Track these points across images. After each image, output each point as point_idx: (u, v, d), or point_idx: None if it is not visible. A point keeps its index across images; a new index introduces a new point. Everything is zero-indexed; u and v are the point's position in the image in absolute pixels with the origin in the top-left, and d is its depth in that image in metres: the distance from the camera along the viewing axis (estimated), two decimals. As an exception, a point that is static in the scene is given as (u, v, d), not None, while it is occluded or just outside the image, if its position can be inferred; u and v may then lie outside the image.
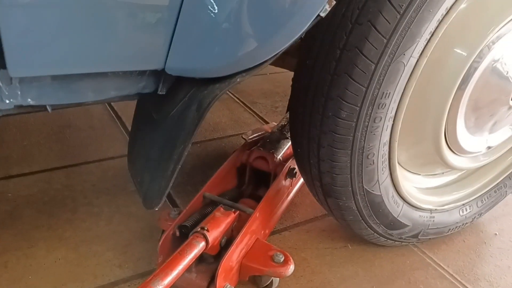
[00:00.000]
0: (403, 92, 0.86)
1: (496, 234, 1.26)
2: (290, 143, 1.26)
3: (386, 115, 0.85)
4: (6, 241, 1.07)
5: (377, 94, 0.82)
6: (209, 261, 0.96)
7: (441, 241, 1.20)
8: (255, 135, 1.29)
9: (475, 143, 1.06)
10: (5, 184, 1.28)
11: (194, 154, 1.52)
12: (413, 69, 0.84)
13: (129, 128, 1.62)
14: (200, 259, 0.93)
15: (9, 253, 1.04)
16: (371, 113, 0.83)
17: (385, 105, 0.83)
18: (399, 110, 0.88)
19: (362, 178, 0.92)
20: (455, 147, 1.03)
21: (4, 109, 0.64)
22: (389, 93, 0.83)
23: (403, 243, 1.13)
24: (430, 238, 1.16)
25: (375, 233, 1.06)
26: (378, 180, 0.94)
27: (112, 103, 1.77)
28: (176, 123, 0.74)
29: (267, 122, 1.74)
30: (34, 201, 1.22)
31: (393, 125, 0.89)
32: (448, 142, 1.02)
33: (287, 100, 1.34)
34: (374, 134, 0.86)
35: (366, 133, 0.85)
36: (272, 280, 1.00)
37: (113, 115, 1.71)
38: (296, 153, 0.99)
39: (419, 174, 1.12)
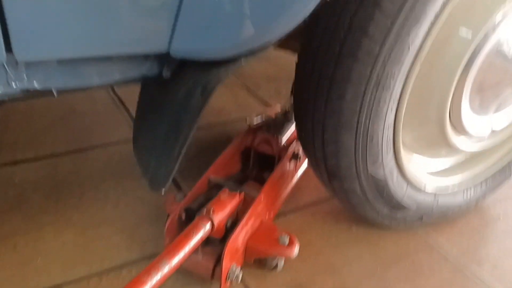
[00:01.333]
0: (408, 74, 0.86)
1: (500, 216, 1.27)
2: (294, 126, 1.26)
3: (391, 97, 0.85)
4: (15, 225, 1.09)
5: (382, 75, 0.82)
6: (215, 243, 0.97)
7: (445, 224, 1.21)
8: (258, 120, 1.29)
9: (480, 125, 1.05)
10: (12, 170, 1.29)
11: (198, 138, 1.52)
12: (418, 50, 0.84)
13: (133, 113, 1.62)
14: (206, 241, 0.94)
15: (18, 236, 1.06)
16: (376, 95, 0.83)
17: (390, 86, 0.83)
18: (404, 91, 0.87)
19: (366, 160, 0.92)
20: (460, 129, 1.03)
21: (11, 93, 0.64)
22: (394, 74, 0.83)
23: (407, 225, 1.14)
24: (434, 221, 1.16)
25: (379, 216, 1.06)
26: (382, 162, 0.94)
27: (115, 89, 1.77)
28: (180, 107, 0.74)
29: (270, 106, 1.74)
30: (41, 186, 1.23)
31: (398, 106, 0.89)
32: (453, 124, 1.02)
33: (291, 84, 1.34)
34: (379, 116, 0.86)
35: (370, 115, 0.85)
36: (277, 261, 1.01)
37: (117, 100, 1.71)
38: (301, 137, 1.00)
39: (423, 157, 1.12)
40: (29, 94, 0.70)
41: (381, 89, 0.83)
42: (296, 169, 1.25)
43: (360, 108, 0.84)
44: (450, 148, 1.08)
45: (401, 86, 0.86)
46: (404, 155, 0.99)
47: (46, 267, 0.99)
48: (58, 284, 0.95)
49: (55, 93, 0.69)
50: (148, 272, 0.72)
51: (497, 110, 1.06)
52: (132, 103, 1.68)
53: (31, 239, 1.06)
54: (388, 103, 0.85)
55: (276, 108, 1.39)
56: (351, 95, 0.82)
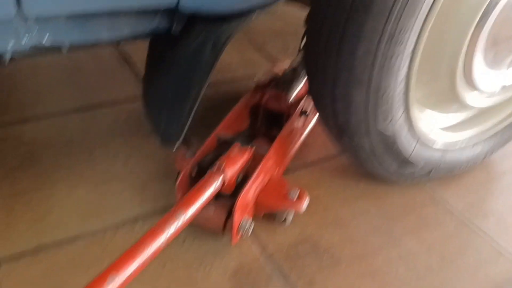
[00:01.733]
0: (421, 28, 0.84)
1: (506, 172, 1.28)
2: (303, 83, 1.25)
3: (404, 52, 0.84)
4: (27, 182, 1.11)
5: (395, 30, 0.80)
6: (226, 198, 0.99)
7: (452, 179, 1.22)
8: (267, 77, 1.28)
9: (491, 81, 1.04)
10: (22, 128, 1.30)
11: (205, 96, 1.48)
12: (432, 4, 0.82)
13: (140, 71, 1.62)
14: (217, 196, 0.96)
15: (31, 193, 1.08)
16: (388, 50, 0.81)
17: (403, 41, 0.82)
18: (416, 46, 0.86)
19: (376, 116, 0.92)
20: (471, 84, 1.02)
21: (20, 50, 0.64)
22: (407, 29, 0.81)
23: (414, 181, 1.15)
24: (441, 176, 1.17)
25: (387, 171, 1.07)
26: (392, 118, 0.94)
27: (121, 47, 1.75)
28: (191, 63, 0.74)
29: (278, 62, 1.72)
30: (51, 144, 1.24)
31: (410, 62, 0.88)
32: (464, 79, 1.00)
33: (298, 40, 1.32)
34: (390, 72, 0.85)
35: (382, 71, 0.84)
36: (287, 215, 1.04)
37: (123, 57, 1.69)
38: (311, 92, 0.99)
39: (433, 112, 1.12)
40: (38, 51, 0.69)
41: (394, 44, 0.81)
42: (304, 126, 1.25)
43: (372, 63, 0.83)
44: (460, 104, 1.08)
45: (414, 40, 0.85)
46: (414, 111, 0.99)
47: (61, 221, 1.02)
48: (74, 236, 0.98)
49: (64, 50, 0.68)
50: (162, 224, 0.74)
51: (510, 66, 1.04)
52: (139, 61, 1.67)
53: (44, 196, 1.08)
54: (401, 58, 0.84)
55: (285, 64, 1.37)
56: (363, 51, 0.81)
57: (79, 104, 1.42)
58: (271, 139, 1.11)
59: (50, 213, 1.03)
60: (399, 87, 0.90)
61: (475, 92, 1.06)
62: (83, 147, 1.24)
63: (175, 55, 0.77)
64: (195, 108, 0.73)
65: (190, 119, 0.74)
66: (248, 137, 1.16)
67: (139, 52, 1.71)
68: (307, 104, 1.20)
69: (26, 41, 0.64)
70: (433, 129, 1.11)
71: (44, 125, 1.31)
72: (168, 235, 0.74)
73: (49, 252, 0.95)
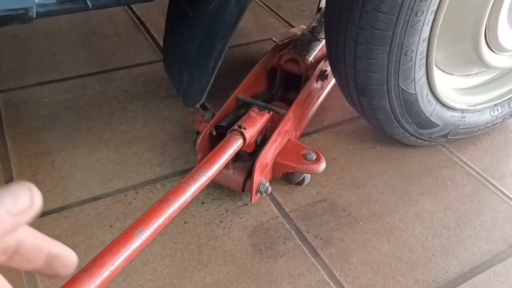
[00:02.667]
0: (447, -16, 0.82)
1: (524, 135, 1.27)
2: (321, 45, 1.24)
3: (429, 8, 0.82)
4: (50, 143, 1.13)
5: (421, -15, 0.78)
6: (245, 159, 1.00)
7: (470, 141, 1.22)
8: (285, 37, 1.27)
9: (515, 41, 1.02)
10: (41, 90, 1.31)
11: (221, 60, 1.51)
12: (460, -42, 0.80)
13: (154, 35, 1.61)
14: (237, 157, 0.98)
15: (55, 153, 1.10)
16: (413, 6, 0.80)
17: (428, -3, 0.80)
18: (441, 2, 0.84)
19: (398, 76, 0.91)
20: (494, 45, 1.00)
21: (47, 3, 0.64)
22: (433, -16, 0.80)
23: (432, 142, 1.15)
24: (459, 138, 1.17)
25: (406, 133, 1.08)
26: (414, 78, 0.93)
27: (135, 9, 1.74)
28: (214, 19, 0.73)
29: (293, 26, 1.70)
30: (71, 106, 1.26)
31: (434, 19, 0.86)
32: (488, 39, 0.99)
33: (314, 2, 1.30)
34: (414, 29, 0.84)
35: (406, 28, 0.83)
36: (304, 177, 1.05)
37: (137, 21, 1.68)
38: (331, 52, 0.98)
39: (454, 75, 1.11)
40: (65, 6, 0.69)
41: (419, -1, 0.80)
42: (322, 89, 1.25)
43: (396, 20, 0.82)
44: (482, 65, 1.06)
45: (439, -4, 0.83)
46: (436, 71, 0.98)
47: (84, 180, 1.04)
48: (98, 196, 1.01)
49: (89, 5, 0.68)
50: (187, 180, 0.76)
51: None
52: (153, 25, 1.66)
53: (68, 156, 1.10)
54: (425, 15, 0.83)
55: (300, 28, 1.36)
56: (387, 6, 0.80)
57: (96, 67, 1.42)
58: (288, 102, 1.11)
59: (73, 173, 1.06)
60: (422, 45, 0.89)
61: (497, 54, 1.05)
62: (102, 110, 1.25)
63: (197, 11, 0.77)
64: (218, 65, 0.73)
65: (214, 76, 0.74)
66: (266, 99, 1.16)
67: (153, 16, 1.70)
68: (326, 66, 1.19)
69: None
70: (454, 90, 1.10)
71: (62, 87, 1.33)
72: (192, 191, 0.75)
73: (74, 209, 0.97)
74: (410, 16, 0.81)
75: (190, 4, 0.80)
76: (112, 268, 0.57)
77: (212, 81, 0.74)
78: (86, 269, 0.56)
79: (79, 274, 0.55)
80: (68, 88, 1.33)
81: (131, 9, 1.74)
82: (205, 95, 0.77)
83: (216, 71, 0.73)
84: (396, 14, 0.81)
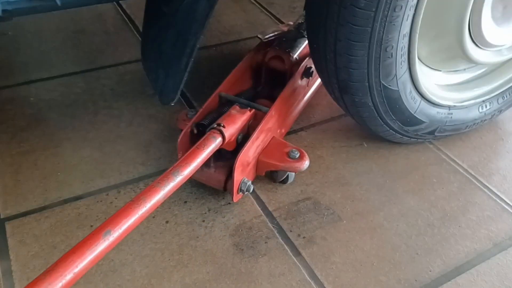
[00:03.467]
0: (426, -22, 0.81)
1: (514, 132, 1.25)
2: (306, 41, 1.22)
3: (407, 3, 0.81)
4: (33, 142, 1.13)
5: (399, -20, 0.77)
6: (227, 157, 0.99)
7: (458, 138, 1.21)
8: (270, 34, 1.25)
9: (500, 36, 1.01)
10: (26, 89, 1.31)
11: (210, 57, 1.50)
12: (439, -49, 0.78)
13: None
14: (219, 156, 0.97)
15: (38, 153, 1.10)
16: (391, 1, 0.78)
17: (407, -8, 0.79)
18: (421, -3, 0.83)
19: (379, 72, 0.90)
20: (479, 40, 0.98)
21: (14, 0, 0.63)
22: (412, -22, 0.78)
23: (419, 140, 1.14)
24: (446, 135, 1.16)
25: (390, 130, 1.06)
26: (396, 74, 0.92)
27: (124, 7, 1.73)
28: (186, 16, 0.72)
29: (284, 23, 1.68)
30: (56, 105, 1.25)
31: (414, 14, 0.85)
32: (472, 34, 0.97)
33: (304, -2, 1.28)
34: (393, 24, 0.82)
35: (385, 24, 0.82)
36: (288, 175, 1.04)
37: (126, 19, 1.68)
38: (313, 49, 0.97)
39: (440, 71, 1.09)
40: (34, 4, 0.68)
41: (397, -6, 0.78)
42: (308, 86, 1.23)
43: (375, 16, 0.80)
44: (467, 61, 1.05)
45: (418, -9, 0.82)
46: (419, 69, 0.96)
47: (66, 180, 1.04)
48: (79, 195, 1.00)
49: (58, 2, 0.67)
50: (161, 180, 0.75)
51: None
52: (141, 22, 1.65)
53: (51, 155, 1.10)
54: (404, 10, 0.81)
55: (289, 26, 1.34)
56: (365, 2, 0.78)
57: (83, 65, 1.41)
58: (274, 99, 1.10)
59: (56, 172, 1.05)
60: (403, 41, 0.87)
61: (483, 49, 1.03)
62: (87, 108, 1.25)
63: (171, 8, 0.76)
64: (191, 63, 0.72)
65: (187, 74, 0.73)
66: (251, 96, 1.15)
67: (142, 14, 1.69)
68: (310, 63, 1.18)
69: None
70: (439, 86, 1.08)
71: (49, 86, 1.32)
72: (166, 191, 0.75)
73: (55, 209, 0.97)
74: (388, 12, 0.80)
75: (165, 0, 0.79)
76: (76, 270, 0.57)
77: (185, 79, 0.73)
78: (48, 271, 0.55)
79: (41, 276, 0.55)
80: (54, 87, 1.32)
81: (120, 6, 1.73)
82: (179, 93, 0.76)
83: (189, 68, 0.72)
84: (374, 9, 0.79)
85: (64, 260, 0.56)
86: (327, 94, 1.11)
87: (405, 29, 0.86)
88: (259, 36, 1.25)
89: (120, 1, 1.65)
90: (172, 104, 0.78)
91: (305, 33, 1.23)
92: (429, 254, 0.93)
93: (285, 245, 0.93)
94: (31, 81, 1.34)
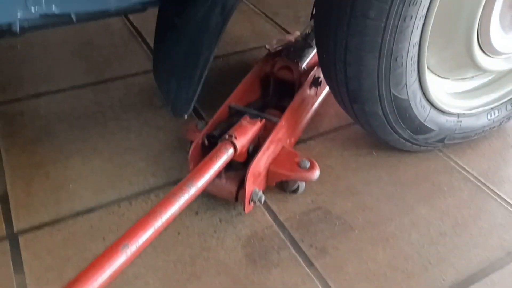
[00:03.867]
0: (436, -12, 0.81)
1: (523, 139, 1.25)
2: (314, 51, 1.23)
3: (417, 13, 0.81)
4: (44, 154, 1.13)
5: (409, -10, 0.78)
6: (238, 168, 0.99)
7: (467, 146, 1.21)
8: (278, 44, 1.26)
9: (508, 44, 1.01)
10: (36, 102, 1.31)
11: (217, 68, 1.51)
12: (448, -38, 0.79)
13: (150, 44, 1.61)
14: (229, 166, 0.97)
15: (49, 165, 1.10)
16: (401, 11, 0.79)
17: (417, 2, 0.79)
18: (431, 7, 0.83)
19: (389, 82, 0.90)
20: (488, 48, 0.99)
21: (30, 18, 0.64)
22: (421, -11, 0.79)
23: (428, 148, 1.14)
24: (456, 143, 1.16)
25: (400, 138, 1.06)
26: (406, 83, 0.92)
27: (131, 19, 1.74)
28: (200, 28, 0.73)
29: (289, 33, 1.69)
30: (66, 117, 1.26)
31: (424, 24, 0.85)
32: (481, 43, 0.98)
33: (310, 8, 1.29)
34: (404, 34, 0.83)
35: (395, 34, 0.82)
36: (298, 185, 1.04)
37: (133, 31, 1.69)
38: (322, 59, 0.98)
39: (448, 79, 1.09)
40: (49, 21, 0.69)
41: (407, 4, 0.79)
42: (317, 95, 1.24)
43: (385, 26, 0.81)
44: (476, 69, 1.05)
45: (428, 1, 0.82)
46: (429, 76, 0.97)
47: (78, 192, 1.04)
48: (91, 208, 1.00)
49: (74, 18, 0.68)
50: (175, 193, 0.75)
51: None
52: (149, 34, 1.66)
53: (61, 167, 1.10)
54: (414, 20, 0.82)
55: (295, 35, 1.35)
56: (375, 12, 0.79)
57: (92, 77, 1.42)
58: (282, 109, 1.10)
59: (67, 184, 1.06)
60: (413, 50, 0.88)
61: (491, 57, 1.03)
62: (96, 120, 1.25)
63: (184, 21, 0.77)
64: (204, 75, 0.72)
65: (200, 87, 0.74)
66: (260, 107, 1.16)
67: (149, 25, 1.70)
68: (320, 72, 1.19)
69: (36, 9, 0.64)
70: (448, 94, 1.09)
71: (58, 98, 1.33)
72: (180, 204, 0.75)
73: (67, 222, 0.97)
74: (398, 22, 0.81)
75: (178, 13, 0.80)
76: (96, 284, 0.57)
77: (198, 91, 0.74)
78: (69, 285, 0.55)
79: (62, 290, 0.55)
80: (63, 99, 1.33)
81: (127, 19, 1.75)
82: (192, 106, 0.77)
83: (202, 81, 0.73)
84: (384, 19, 0.80)
85: (85, 274, 0.56)
86: (335, 103, 1.12)
87: (415, 38, 0.86)
88: (267, 46, 1.26)
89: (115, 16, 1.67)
90: (186, 117, 0.79)
91: (312, 43, 1.24)
92: (441, 263, 0.92)
93: (297, 256, 0.93)
94: (40, 94, 1.34)
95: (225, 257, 0.92)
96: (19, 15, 0.61)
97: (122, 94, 1.36)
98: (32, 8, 0.62)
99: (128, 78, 1.44)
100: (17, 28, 0.63)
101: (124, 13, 0.95)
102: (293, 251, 0.94)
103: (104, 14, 0.76)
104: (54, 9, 0.65)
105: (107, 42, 1.62)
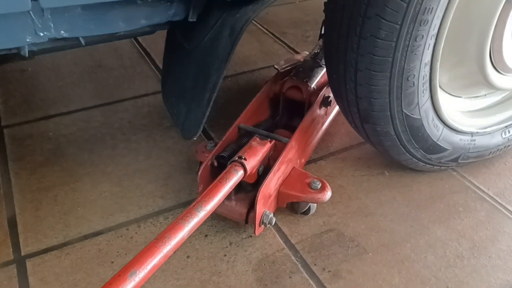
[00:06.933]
0: (446, 7, 0.81)
1: (539, 156, 1.22)
2: (323, 71, 1.22)
3: (429, 33, 0.80)
4: (53, 177, 1.13)
5: (419, 10, 0.77)
6: (248, 189, 0.98)
7: (482, 165, 1.18)
8: (287, 64, 1.26)
9: (522, 61, 1.00)
10: (45, 124, 1.32)
11: (225, 88, 1.51)
12: (458, -19, 0.78)
13: (159, 65, 1.62)
14: (239, 188, 0.95)
15: (57, 188, 1.10)
16: (412, 31, 0.78)
17: (428, 21, 0.79)
18: (442, 26, 0.82)
19: (401, 101, 0.89)
20: (500, 66, 0.97)
21: (39, 42, 0.64)
22: (432, 8, 0.78)
23: (442, 167, 1.12)
24: (470, 162, 1.13)
25: (413, 158, 1.04)
26: (418, 103, 0.91)
27: (140, 41, 1.76)
28: (208, 51, 0.73)
29: (298, 52, 1.69)
30: (75, 139, 1.26)
31: (435, 43, 0.84)
32: (493, 60, 0.96)
33: (318, 28, 1.29)
34: (415, 54, 0.82)
35: (406, 53, 0.81)
36: (309, 206, 1.02)
37: (142, 52, 1.70)
38: (332, 79, 0.97)
39: (461, 97, 1.08)
40: (58, 44, 0.69)
41: (418, 24, 0.78)
42: (327, 115, 1.23)
43: (396, 46, 0.80)
44: (489, 87, 1.03)
45: (439, 20, 0.81)
46: (441, 95, 0.95)
47: (86, 215, 1.03)
48: (99, 231, 0.99)
49: (82, 42, 0.68)
50: (184, 217, 0.74)
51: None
52: (158, 55, 1.67)
53: (70, 190, 1.09)
54: (426, 40, 0.81)
55: (304, 55, 1.35)
56: (385, 32, 0.78)
57: (101, 99, 1.43)
58: (292, 129, 1.09)
59: (75, 208, 1.05)
60: (424, 70, 0.86)
61: (504, 75, 1.02)
62: (105, 142, 1.25)
63: (192, 44, 0.76)
64: (213, 98, 0.72)
65: (209, 108, 0.73)
66: (269, 127, 1.15)
67: (158, 47, 1.71)
68: (329, 91, 1.18)
69: (44, 33, 0.64)
70: (461, 113, 1.07)
71: (67, 121, 1.33)
72: (190, 227, 0.73)
73: (76, 246, 0.96)
74: (409, 41, 0.80)
75: (186, 36, 0.80)
76: (103, 313, 0.55)
77: (207, 113, 0.73)
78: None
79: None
80: (72, 121, 1.33)
81: (136, 40, 1.77)
82: (201, 128, 0.76)
83: (211, 103, 0.72)
84: (395, 39, 0.79)
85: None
86: (345, 122, 1.11)
87: (427, 57, 0.85)
88: (276, 66, 1.25)
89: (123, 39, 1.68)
90: (195, 138, 0.78)
91: (321, 62, 1.24)
92: (460, 287, 0.89)
93: (310, 280, 0.90)
94: (50, 116, 1.35)
95: (235, 282, 0.89)
96: (28, 39, 0.61)
97: (132, 115, 1.36)
98: (41, 33, 0.63)
99: (137, 99, 1.44)
100: (26, 52, 0.64)
101: (132, 36, 0.95)
102: (306, 275, 0.91)
103: (113, 37, 0.76)
104: (63, 33, 0.65)
105: (116, 63, 1.63)
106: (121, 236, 0.98)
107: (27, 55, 0.63)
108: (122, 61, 1.65)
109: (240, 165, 0.90)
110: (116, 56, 1.68)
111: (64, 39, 0.66)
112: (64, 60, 1.63)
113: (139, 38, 1.78)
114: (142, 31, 0.77)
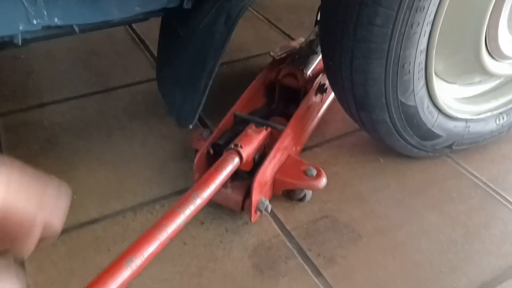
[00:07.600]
0: (443, -6, 0.80)
1: (532, 143, 1.23)
2: (319, 58, 1.22)
3: (425, 20, 0.80)
4: (48, 165, 1.12)
5: (415, -4, 0.76)
6: (244, 177, 0.98)
7: (475, 151, 1.19)
8: (283, 51, 1.25)
9: (517, 48, 1.00)
10: (40, 112, 1.31)
11: (221, 75, 1.50)
12: (455, -33, 0.78)
13: (154, 52, 1.61)
14: (235, 175, 0.96)
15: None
16: (408, 18, 0.78)
17: (424, 8, 0.78)
18: (438, 13, 0.82)
19: (397, 89, 0.89)
20: (496, 53, 0.98)
21: (32, 30, 0.63)
22: (428, -6, 0.78)
23: (436, 154, 1.12)
24: (464, 148, 1.14)
25: (408, 145, 1.05)
26: (413, 90, 0.91)
27: (134, 27, 1.74)
28: (204, 38, 0.72)
29: (293, 39, 1.69)
30: (70, 127, 1.25)
31: (431, 30, 0.84)
32: (489, 47, 0.96)
33: (314, 14, 1.28)
34: (411, 41, 0.82)
35: (402, 41, 0.81)
36: (305, 193, 1.03)
37: (137, 39, 1.69)
38: (327, 67, 0.97)
39: (456, 84, 1.08)
40: (52, 32, 0.68)
41: (414, 11, 0.78)
42: (322, 102, 1.23)
43: (392, 33, 0.79)
44: (484, 73, 1.04)
45: (435, 7, 0.81)
46: (437, 82, 0.96)
47: (82, 203, 1.03)
48: (95, 219, 0.99)
49: (76, 29, 0.68)
50: (181, 204, 0.74)
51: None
52: (153, 42, 1.66)
53: (66, 178, 1.07)
54: (422, 27, 0.81)
55: (300, 41, 1.34)
56: (382, 19, 0.78)
57: (95, 87, 1.42)
58: (288, 116, 1.09)
59: (72, 195, 1.05)
60: (420, 57, 0.86)
61: (499, 61, 1.02)
62: (100, 130, 1.24)
63: (188, 31, 0.76)
64: (209, 85, 0.71)
65: (205, 96, 0.73)
66: (265, 114, 1.15)
67: (153, 34, 1.70)
68: (325, 79, 1.17)
69: (38, 21, 0.63)
70: (456, 100, 1.07)
71: (62, 108, 1.32)
72: (186, 215, 0.73)
73: (72, 233, 0.96)
74: (405, 28, 0.79)
75: (181, 24, 0.79)
76: (100, 301, 0.55)
77: (203, 101, 0.73)
78: (73, 302, 0.54)
79: (66, 308, 0.54)
80: (67, 109, 1.32)
81: (131, 27, 1.75)
82: (197, 116, 0.76)
83: (207, 91, 0.72)
84: (391, 26, 0.79)
85: (88, 291, 0.55)
86: (340, 109, 1.11)
87: (422, 45, 0.85)
88: (271, 53, 1.25)
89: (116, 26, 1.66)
90: (190, 127, 0.78)
91: (317, 49, 1.23)
92: (453, 272, 0.91)
93: (305, 265, 0.91)
94: (44, 104, 1.34)
95: (232, 268, 0.90)
96: (21, 27, 0.60)
97: (126, 102, 1.36)
98: (34, 20, 0.62)
99: (132, 86, 1.43)
100: (19, 40, 0.63)
101: (126, 23, 0.94)
102: (301, 261, 0.92)
103: (107, 25, 0.75)
104: (56, 21, 0.64)
105: (110, 50, 1.61)
106: (117, 224, 0.98)
107: (20, 43, 0.63)
108: (116, 47, 1.63)
109: (236, 153, 0.90)
110: (110, 43, 1.66)
111: (57, 27, 0.65)
112: (57, 47, 1.61)
113: (133, 25, 1.76)
114: (137, 18, 0.76)
